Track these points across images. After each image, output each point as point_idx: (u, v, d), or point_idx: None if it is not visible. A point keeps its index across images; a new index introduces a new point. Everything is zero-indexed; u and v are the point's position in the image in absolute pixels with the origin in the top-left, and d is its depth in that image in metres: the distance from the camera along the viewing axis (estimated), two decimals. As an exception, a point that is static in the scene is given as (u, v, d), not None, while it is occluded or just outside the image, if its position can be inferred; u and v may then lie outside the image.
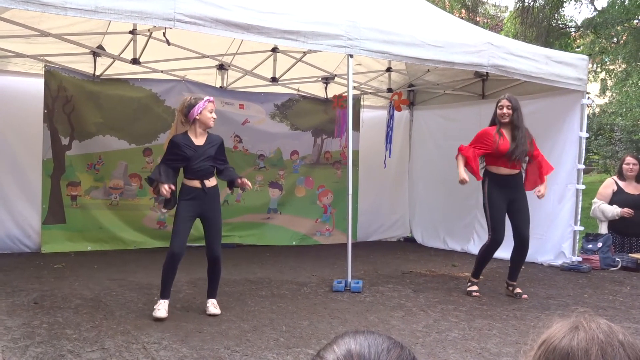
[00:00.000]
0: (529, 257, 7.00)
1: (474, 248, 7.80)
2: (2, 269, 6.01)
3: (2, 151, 7.01)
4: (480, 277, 5.56)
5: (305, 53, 7.41)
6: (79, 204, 7.48)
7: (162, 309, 4.34)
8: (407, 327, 4.29)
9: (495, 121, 5.35)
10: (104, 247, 7.47)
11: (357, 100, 8.67)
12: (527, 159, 5.38)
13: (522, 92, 7.35)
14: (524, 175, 5.44)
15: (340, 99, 8.25)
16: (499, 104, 5.28)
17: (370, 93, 8.94)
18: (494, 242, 5.26)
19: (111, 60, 7.25)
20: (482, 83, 8.02)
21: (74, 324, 4.12)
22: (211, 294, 4.60)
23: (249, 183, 4.60)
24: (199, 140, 4.47)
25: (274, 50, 7.60)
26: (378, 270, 6.63)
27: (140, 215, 7.84)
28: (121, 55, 7.07)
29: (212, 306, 4.52)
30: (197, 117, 4.41)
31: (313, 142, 8.86)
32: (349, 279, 5.47)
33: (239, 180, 4.57)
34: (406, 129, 9.21)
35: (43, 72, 7.10)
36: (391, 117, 8.60)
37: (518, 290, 5.40)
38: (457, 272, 6.62)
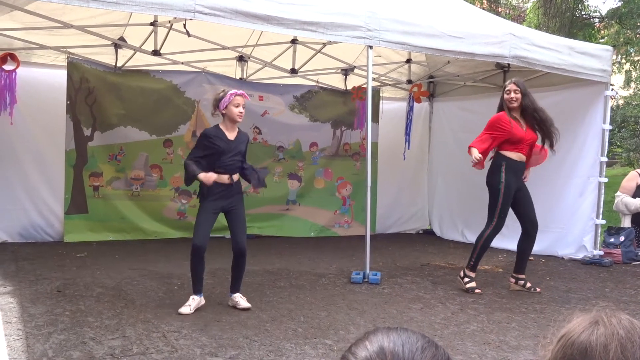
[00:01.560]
0: (549, 250, 6.97)
1: (493, 241, 7.74)
2: (26, 257, 6.12)
3: (26, 142, 7.12)
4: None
5: (324, 44, 7.38)
6: (101, 195, 7.57)
7: (189, 304, 4.29)
8: (425, 319, 4.27)
9: (502, 107, 5.16)
10: (125, 237, 7.56)
11: (376, 91, 8.62)
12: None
13: (544, 83, 7.25)
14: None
15: (360, 91, 8.22)
16: (506, 89, 5.12)
17: (389, 85, 8.89)
18: (498, 228, 5.15)
19: (132, 51, 7.30)
20: (503, 74, 7.92)
21: (95, 312, 4.19)
22: (236, 288, 4.50)
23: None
24: (231, 134, 4.38)
25: (294, 41, 7.59)
26: (396, 262, 6.62)
27: (160, 205, 7.91)
28: (142, 47, 7.12)
29: (243, 300, 4.42)
30: (224, 112, 4.34)
31: (332, 134, 8.85)
32: (367, 271, 5.47)
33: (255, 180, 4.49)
34: (426, 120, 9.15)
35: (66, 64, 7.18)
36: (411, 109, 8.57)
37: (529, 284, 5.28)
38: (476, 264, 6.57)
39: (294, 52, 7.75)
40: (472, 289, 5.16)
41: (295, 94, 8.57)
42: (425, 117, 9.12)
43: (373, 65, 5.76)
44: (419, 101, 8.33)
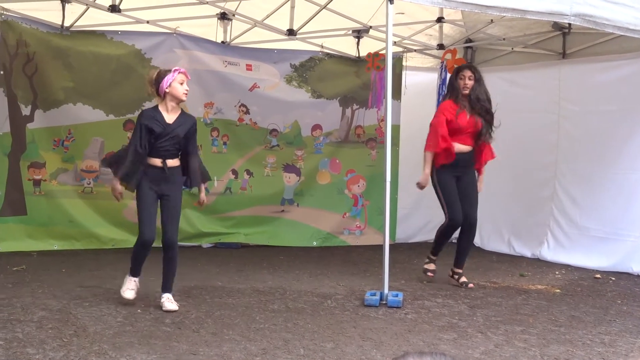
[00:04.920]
0: (621, 266, 6.96)
1: (549, 253, 7.76)
2: (-53, 271, 6.15)
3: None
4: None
5: (331, -2, 7.38)
6: (44, 191, 7.58)
7: (130, 288, 5.12)
8: (460, 353, 4.28)
9: (453, 90, 6.14)
10: (75, 246, 7.59)
11: (398, 59, 8.62)
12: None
13: (616, 49, 7.23)
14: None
15: (377, 59, 8.21)
16: (460, 74, 6.08)
17: (415, 50, 8.88)
18: (453, 223, 6.13)
19: (84, 7, 7.29)
20: (562, 38, 7.90)
21: (37, 341, 4.20)
22: (167, 287, 5.12)
23: (205, 200, 5.34)
24: (171, 117, 5.03)
25: (292, -6, 7.59)
26: (423, 279, 6.63)
27: (120, 206, 7.85)
28: (96, 2, 7.11)
29: (168, 301, 5.05)
30: (167, 90, 4.95)
31: (341, 114, 8.84)
32: (386, 291, 5.47)
33: (202, 195, 5.31)
34: (462, 97, 9.12)
35: (-2, 23, 7.20)
36: (443, 82, 8.53)
37: (464, 279, 6.27)
38: (526, 283, 6.58)
39: (292, 8, 7.73)
40: (426, 270, 6.38)
41: (294, 62, 8.56)
42: (461, 93, 9.10)
43: (394, 25, 5.74)
44: (453, 72, 8.32)
